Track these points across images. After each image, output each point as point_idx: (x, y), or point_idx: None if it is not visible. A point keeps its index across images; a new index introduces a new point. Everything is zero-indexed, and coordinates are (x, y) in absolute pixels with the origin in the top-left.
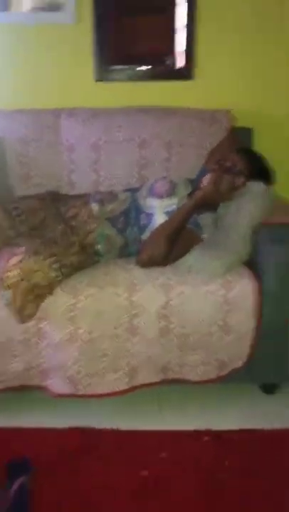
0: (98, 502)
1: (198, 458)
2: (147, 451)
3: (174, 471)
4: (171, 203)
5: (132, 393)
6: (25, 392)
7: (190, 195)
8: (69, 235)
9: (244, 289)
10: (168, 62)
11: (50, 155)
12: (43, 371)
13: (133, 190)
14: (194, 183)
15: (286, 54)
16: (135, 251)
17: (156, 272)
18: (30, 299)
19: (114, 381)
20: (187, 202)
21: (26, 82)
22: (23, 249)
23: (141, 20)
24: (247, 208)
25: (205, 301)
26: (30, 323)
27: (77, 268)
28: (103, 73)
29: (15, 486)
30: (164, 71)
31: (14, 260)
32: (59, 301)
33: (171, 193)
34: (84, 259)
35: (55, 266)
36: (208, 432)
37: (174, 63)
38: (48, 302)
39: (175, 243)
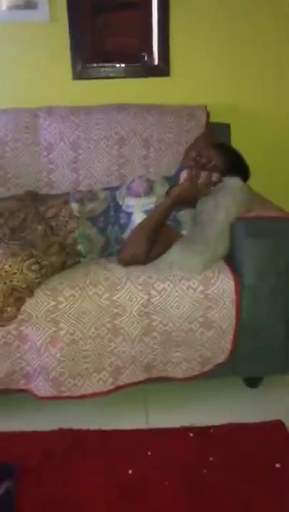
0: (85, 502)
1: (183, 454)
2: (133, 450)
3: (160, 469)
4: (149, 202)
5: (118, 393)
6: (9, 395)
7: (168, 192)
8: (49, 235)
9: (223, 284)
10: (144, 59)
11: (29, 155)
12: (26, 374)
13: (112, 189)
14: (172, 181)
15: (261, 49)
16: (116, 250)
17: (136, 270)
18: (10, 302)
19: (98, 382)
20: (165, 199)
21: (3, 81)
22: (0, 251)
23: (116, 17)
24: (224, 203)
25: (186, 298)
26: (11, 327)
27: (58, 268)
28: (80, 71)
29: (0, 491)
30: (141, 68)
31: None
32: (40, 303)
33: (148, 191)
34: (64, 259)
35: (34, 267)
36: (193, 428)
37: (150, 60)
38: (29, 304)
39: (155, 240)
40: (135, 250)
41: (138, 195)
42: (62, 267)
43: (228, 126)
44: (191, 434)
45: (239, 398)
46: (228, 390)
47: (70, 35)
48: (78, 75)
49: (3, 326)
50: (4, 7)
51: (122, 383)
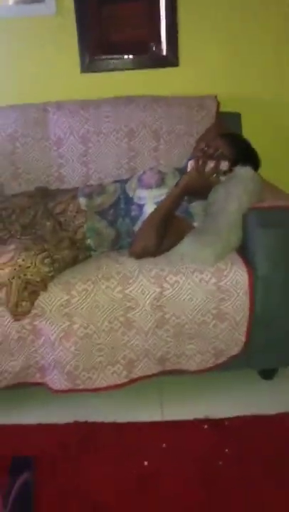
0: (101, 494)
1: (198, 447)
2: (148, 442)
3: (175, 461)
4: (161, 193)
5: (132, 385)
6: (25, 388)
7: (177, 183)
8: (58, 231)
9: (236, 275)
10: (153, 49)
11: (39, 150)
12: (41, 368)
13: (121, 182)
14: (182, 172)
15: (272, 38)
16: (127, 243)
17: (148, 263)
18: (25, 296)
19: (113, 374)
20: (173, 189)
21: (11, 77)
22: (13, 246)
23: (123, 8)
24: (235, 193)
25: (198, 290)
26: (25, 321)
27: (70, 263)
28: (88, 64)
29: (19, 482)
30: (149, 59)
31: (5, 258)
32: (53, 297)
33: (160, 183)
34: (76, 254)
35: (47, 261)
36: (207, 420)
37: (158, 51)
38: (42, 299)
39: (166, 232)
40: (146, 242)
41: (149, 187)
42: (74, 262)
43: (238, 115)
44: (205, 426)
45: (254, 390)
46: (242, 382)
47: (77, 27)
48: (86, 68)
49: (18, 320)
50: (11, 1)
51: (136, 376)
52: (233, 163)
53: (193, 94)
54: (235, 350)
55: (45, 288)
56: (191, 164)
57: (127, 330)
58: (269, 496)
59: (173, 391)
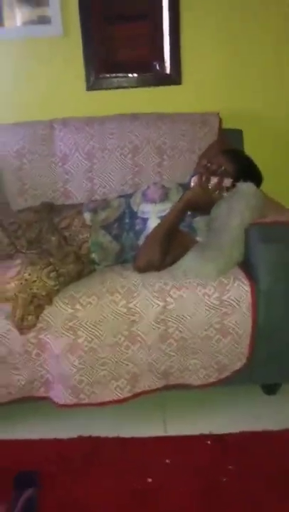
0: (104, 509)
1: (201, 463)
2: (151, 457)
3: (179, 477)
4: (165, 208)
5: (136, 400)
6: (29, 403)
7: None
8: (63, 245)
9: (239, 290)
10: (156, 68)
11: (45, 166)
12: (45, 382)
13: (126, 196)
14: (186, 188)
15: (272, 57)
16: (131, 257)
17: (152, 277)
18: (31, 310)
19: (116, 389)
20: (176, 205)
21: (19, 95)
22: (19, 261)
23: (127, 28)
24: (237, 208)
25: (201, 304)
26: (31, 335)
27: (74, 277)
28: (94, 82)
29: (23, 498)
30: (153, 77)
31: (11, 273)
32: (58, 311)
33: (164, 198)
34: (81, 268)
35: (52, 275)
36: (211, 436)
37: (162, 69)
38: (47, 313)
39: (169, 246)
40: (150, 257)
41: (153, 202)
42: (79, 276)
43: (240, 132)
44: (209, 442)
45: (257, 405)
46: (245, 398)
47: (83, 47)
48: (92, 86)
49: (24, 334)
50: (19, 23)
51: (139, 390)
52: (236, 179)
53: (196, 111)
54: (238, 364)
55: (50, 302)
56: (194, 180)
57: (131, 344)
58: None
59: (176, 406)
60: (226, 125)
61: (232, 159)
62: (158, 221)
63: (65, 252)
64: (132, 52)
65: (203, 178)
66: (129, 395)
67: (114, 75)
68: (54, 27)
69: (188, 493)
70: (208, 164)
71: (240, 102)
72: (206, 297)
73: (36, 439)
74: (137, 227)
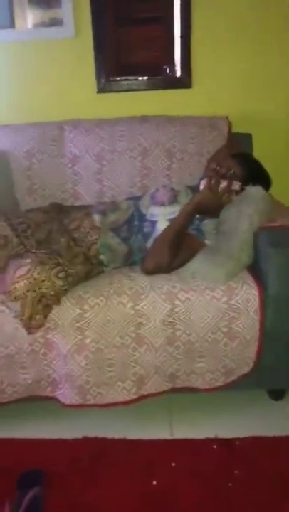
0: (109, 510)
1: (208, 467)
2: (157, 460)
3: (184, 480)
4: (174, 211)
5: (143, 402)
6: (36, 402)
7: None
8: (72, 247)
9: (247, 294)
10: (166, 71)
11: (54, 167)
12: (52, 382)
13: (135, 199)
14: (195, 190)
15: (283, 60)
16: (139, 259)
17: (160, 279)
18: (39, 309)
19: (122, 391)
20: (185, 207)
21: (30, 96)
22: (28, 260)
23: (139, 31)
24: (246, 212)
25: (209, 308)
26: (38, 334)
27: (83, 278)
28: (104, 85)
29: (29, 496)
30: (163, 81)
31: (21, 271)
32: (66, 311)
33: (172, 200)
34: (89, 269)
35: (61, 275)
36: (217, 440)
37: (172, 73)
38: (55, 313)
39: (178, 248)
40: (158, 259)
41: (162, 204)
42: (87, 277)
43: (249, 136)
44: (215, 446)
45: (263, 411)
46: (252, 403)
47: (94, 49)
48: (102, 88)
49: (31, 333)
50: (30, 25)
51: (145, 393)
52: (245, 183)
53: (206, 115)
54: (245, 369)
55: (58, 302)
56: (203, 183)
57: (138, 346)
58: None
59: (182, 410)
60: (235, 129)
61: (241, 163)
62: (167, 224)
63: (74, 253)
64: (142, 55)
65: (213, 181)
66: (135, 397)
67: (124, 77)
68: (66, 29)
69: (193, 497)
70: (218, 167)
71: (250, 106)
72: (214, 301)
73: (42, 438)
74: (146, 230)
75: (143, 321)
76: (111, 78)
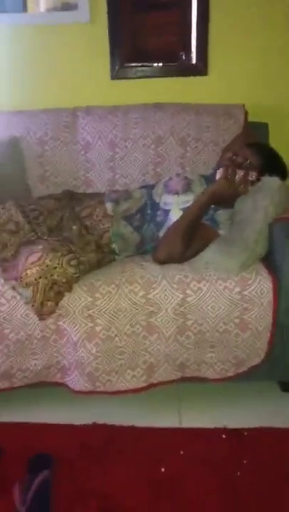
0: (117, 496)
1: (216, 456)
2: (166, 448)
3: (192, 469)
4: (187, 199)
5: (152, 390)
6: (46, 388)
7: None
8: (84, 234)
9: (260, 285)
10: (182, 58)
11: (67, 154)
12: (62, 368)
13: (148, 187)
14: (209, 180)
15: None
16: (151, 248)
17: (172, 268)
18: (50, 296)
19: (132, 378)
20: (200, 197)
21: (44, 82)
22: (40, 247)
23: (155, 16)
24: (262, 203)
25: (222, 298)
26: (49, 321)
27: (94, 266)
28: (119, 71)
29: (38, 480)
30: (179, 67)
31: (33, 258)
32: (77, 298)
33: (186, 189)
34: (101, 257)
35: (73, 262)
36: (226, 430)
37: (188, 59)
38: (67, 300)
39: (191, 239)
40: (171, 249)
41: (176, 193)
42: (99, 265)
43: (266, 125)
44: (224, 436)
45: (273, 402)
46: (262, 393)
47: (109, 35)
48: (116, 75)
49: (43, 319)
50: (43, 9)
51: (155, 381)
52: (261, 173)
53: (221, 103)
54: (256, 360)
55: (70, 289)
56: (219, 173)
57: (149, 334)
58: (287, 509)
59: (192, 399)
60: (251, 118)
61: (258, 152)
62: (180, 212)
63: (86, 241)
64: (158, 42)
65: (229, 171)
66: (144, 385)
67: (139, 64)
68: (81, 13)
69: (201, 485)
70: (234, 157)
71: (267, 94)
72: (227, 291)
73: (51, 423)
74: (159, 219)
75: (154, 310)
76: (126, 64)
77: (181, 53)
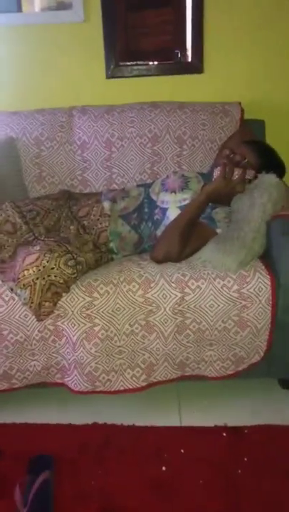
0: (118, 497)
1: (217, 454)
2: (166, 447)
3: (193, 467)
4: (184, 197)
5: (152, 389)
6: (46, 388)
7: (202, 189)
8: (82, 234)
9: (259, 283)
10: (178, 56)
11: (63, 154)
12: (61, 369)
13: (145, 186)
14: (206, 178)
15: None
16: (149, 247)
17: (170, 267)
18: (48, 297)
19: (132, 378)
20: (198, 196)
21: (39, 82)
22: (37, 248)
23: (150, 14)
24: (259, 201)
25: (220, 296)
26: (48, 322)
27: (92, 265)
28: (114, 70)
29: (38, 481)
30: (174, 66)
31: (30, 259)
32: (75, 299)
33: (183, 187)
34: (99, 257)
35: (70, 263)
36: (226, 428)
37: (183, 57)
38: (65, 300)
39: (189, 238)
40: (169, 248)
41: (173, 191)
42: (97, 264)
43: (262, 122)
44: (224, 434)
45: (273, 399)
46: (262, 391)
47: (103, 34)
48: (112, 74)
49: (41, 320)
50: (37, 9)
51: (155, 380)
52: (258, 171)
53: (218, 101)
54: (255, 358)
55: (67, 289)
56: (217, 171)
57: (148, 333)
58: (288, 506)
59: (191, 397)
60: (248, 115)
61: (255, 150)
62: (177, 211)
63: (84, 241)
64: (153, 40)
65: (227, 170)
66: (144, 384)
67: (134, 62)
68: (75, 12)
69: (202, 484)
70: (231, 154)
71: (263, 92)
72: (225, 289)
73: (52, 423)
74: (156, 217)
75: (153, 309)
76: (121, 63)
77: (176, 51)
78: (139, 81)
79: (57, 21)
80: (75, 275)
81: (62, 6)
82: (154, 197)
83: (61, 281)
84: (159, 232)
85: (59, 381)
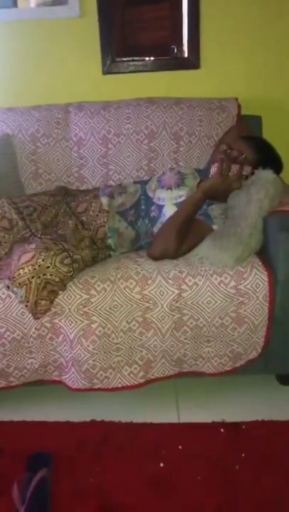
0: (116, 494)
1: (215, 450)
2: (164, 443)
3: (191, 463)
4: (180, 194)
5: (150, 386)
6: (43, 386)
7: (198, 186)
8: (80, 230)
9: (256, 279)
10: (174, 52)
11: (60, 150)
12: (59, 366)
13: (142, 183)
14: (202, 174)
15: None
16: (146, 244)
17: (167, 264)
18: (44, 295)
19: (129, 375)
20: (195, 193)
21: (34, 78)
22: (33, 246)
23: (146, 10)
24: (256, 197)
25: (217, 293)
26: (45, 319)
27: (89, 262)
28: (110, 66)
29: (36, 478)
30: (171, 61)
31: (25, 257)
32: (72, 296)
33: (179, 184)
34: (96, 253)
35: (66, 261)
36: (224, 424)
37: (180, 53)
38: (62, 298)
39: (186, 235)
40: (165, 245)
41: (169, 188)
42: (93, 261)
43: (259, 118)
44: (222, 430)
45: (271, 395)
46: (259, 387)
47: (99, 30)
48: (108, 70)
49: (37, 318)
50: (33, 4)
51: (152, 377)
52: (255, 166)
53: (214, 97)
54: (253, 354)
55: (64, 288)
56: (213, 168)
57: (145, 330)
58: (286, 502)
59: (189, 394)
60: (244, 111)
61: (252, 145)
62: (173, 208)
63: (81, 237)
64: (149, 36)
65: (224, 166)
66: (142, 381)
67: (130, 58)
68: (71, 8)
69: (201, 480)
70: (228, 150)
71: (260, 87)
72: (222, 285)
73: (49, 421)
74: (152, 214)
75: (150, 306)
76: (117, 59)
77: (172, 47)
78: (135, 77)
79: (52, 17)
80: (71, 273)
81: (57, 2)
82: (150, 194)
83: (57, 279)
84: (155, 229)
85: (57, 379)
